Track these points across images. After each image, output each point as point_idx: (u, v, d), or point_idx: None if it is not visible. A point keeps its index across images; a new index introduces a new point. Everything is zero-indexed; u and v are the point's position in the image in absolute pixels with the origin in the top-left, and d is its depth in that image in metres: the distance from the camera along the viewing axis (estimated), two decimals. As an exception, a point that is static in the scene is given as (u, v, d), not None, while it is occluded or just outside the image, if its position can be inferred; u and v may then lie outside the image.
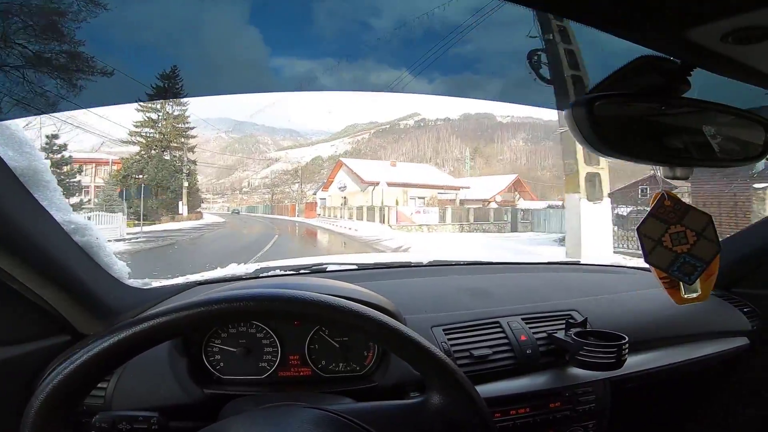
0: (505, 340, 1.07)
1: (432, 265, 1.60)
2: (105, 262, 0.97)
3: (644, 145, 0.63)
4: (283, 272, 1.37)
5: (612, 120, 0.58)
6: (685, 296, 0.78)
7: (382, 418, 0.65)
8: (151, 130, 25.92)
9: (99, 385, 0.87)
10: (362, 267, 1.50)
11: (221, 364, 0.94)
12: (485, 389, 1.00)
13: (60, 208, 0.84)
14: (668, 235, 0.75)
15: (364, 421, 0.63)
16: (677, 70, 0.59)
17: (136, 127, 25.75)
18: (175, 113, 26.61)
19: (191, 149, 27.70)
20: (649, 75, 0.60)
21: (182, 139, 26.45)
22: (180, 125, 26.53)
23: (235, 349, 0.94)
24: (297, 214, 36.51)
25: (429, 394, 0.65)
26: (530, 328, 1.12)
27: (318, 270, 1.43)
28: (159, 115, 26.20)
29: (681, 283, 0.77)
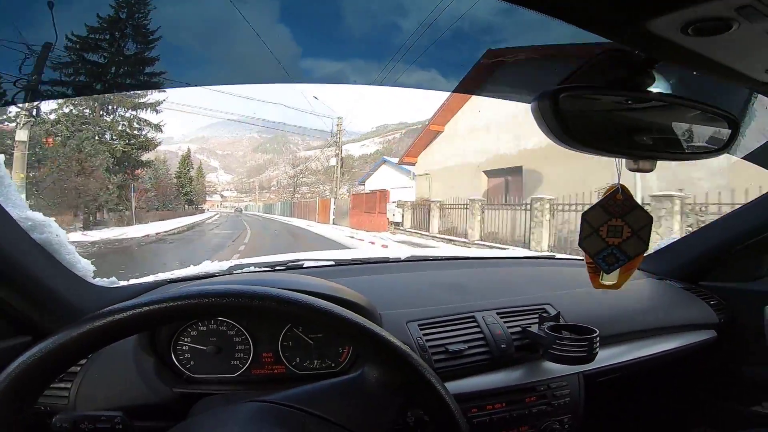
0: (480, 335, 1.08)
1: (409, 260, 1.60)
2: (67, 260, 0.94)
3: (608, 138, 0.64)
4: (257, 269, 1.35)
5: (576, 113, 0.58)
6: (602, 281, 0.84)
7: (322, 397, 0.64)
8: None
9: (62, 385, 0.85)
10: (339, 263, 1.48)
11: (191, 363, 0.92)
12: (461, 384, 1.00)
13: (16, 204, 0.80)
14: (606, 226, 0.79)
15: (304, 404, 0.62)
16: (641, 64, 0.60)
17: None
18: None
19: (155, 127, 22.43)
20: (613, 68, 0.60)
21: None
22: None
23: (205, 348, 0.92)
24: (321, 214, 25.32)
25: (366, 366, 0.64)
26: (505, 322, 1.12)
27: (294, 266, 1.41)
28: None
29: (601, 271, 0.82)
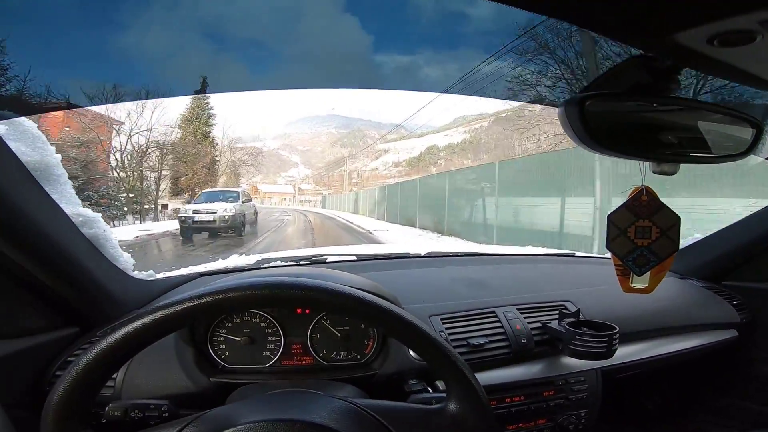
0: (501, 330, 1.10)
1: (429, 256, 1.63)
2: (111, 254, 0.99)
3: (633, 143, 0.66)
4: (283, 263, 1.39)
5: (602, 118, 0.60)
6: (633, 285, 0.83)
7: (403, 419, 0.67)
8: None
9: None
10: (361, 258, 1.52)
11: (226, 354, 0.97)
12: (482, 377, 1.01)
13: (70, 201, 0.86)
14: (634, 227, 0.79)
15: (386, 419, 0.65)
16: (666, 71, 0.62)
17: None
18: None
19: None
20: (639, 75, 0.62)
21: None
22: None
23: (239, 339, 0.96)
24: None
25: (448, 401, 0.67)
26: (525, 317, 1.15)
27: (318, 261, 1.45)
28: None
29: (632, 273, 0.81)
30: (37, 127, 0.79)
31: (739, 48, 0.50)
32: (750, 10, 0.43)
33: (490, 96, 0.88)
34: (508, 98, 0.91)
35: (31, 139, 0.77)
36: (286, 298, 0.62)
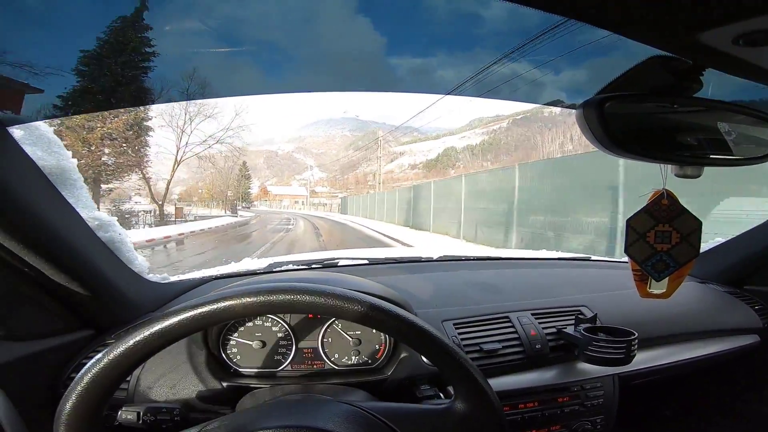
0: (515, 335, 1.09)
1: (442, 260, 1.61)
2: (127, 257, 1.00)
3: (655, 145, 0.64)
4: (295, 267, 1.39)
5: (622, 120, 0.59)
6: (651, 290, 0.81)
7: (410, 420, 0.67)
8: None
9: None
10: (373, 262, 1.52)
11: (238, 357, 0.97)
12: (494, 383, 1.01)
13: (86, 205, 0.87)
14: (654, 232, 0.77)
15: (392, 420, 0.65)
16: (689, 70, 0.60)
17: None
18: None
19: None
20: (659, 75, 0.61)
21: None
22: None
23: (251, 343, 0.96)
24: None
25: (454, 400, 0.67)
26: (540, 323, 1.13)
27: (329, 265, 1.45)
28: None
29: (650, 278, 0.80)
30: (54, 131, 0.80)
31: (763, 48, 0.48)
32: None
33: (504, 98, 0.87)
34: (524, 101, 0.89)
35: (47, 144, 0.77)
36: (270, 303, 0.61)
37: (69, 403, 0.56)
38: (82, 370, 0.57)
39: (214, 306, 0.59)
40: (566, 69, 0.74)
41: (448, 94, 0.90)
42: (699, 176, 0.67)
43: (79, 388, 0.56)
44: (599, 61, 0.70)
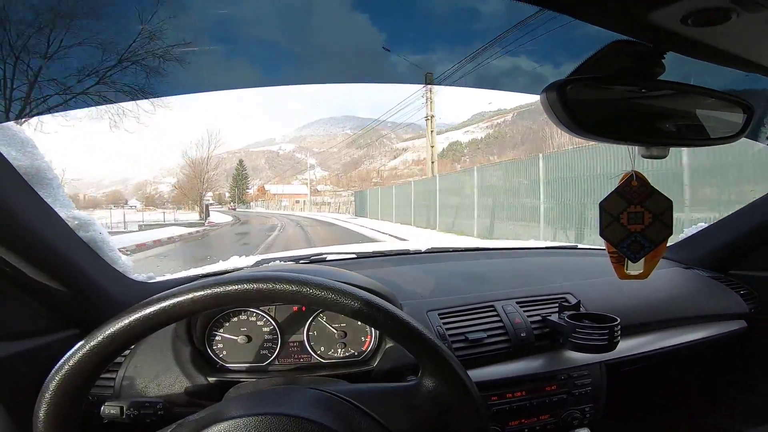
0: (500, 324, 1.10)
1: (429, 252, 1.62)
2: (109, 256, 1.01)
3: (619, 127, 0.65)
4: (282, 262, 1.40)
5: (585, 103, 0.60)
6: (628, 272, 0.82)
7: (377, 399, 0.67)
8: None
9: (107, 375, 0.91)
10: (361, 255, 1.52)
11: (224, 352, 0.98)
12: (481, 373, 1.02)
13: (63, 204, 0.87)
14: (626, 213, 0.78)
15: (360, 401, 0.65)
16: (649, 54, 0.61)
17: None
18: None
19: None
20: (622, 59, 0.62)
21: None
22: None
23: (237, 338, 0.97)
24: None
25: (422, 377, 0.67)
26: (524, 311, 1.14)
27: (317, 260, 1.46)
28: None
29: (626, 259, 0.81)
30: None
31: (716, 27, 0.49)
32: None
33: (469, 86, 0.88)
34: (492, 88, 0.90)
35: (20, 144, 0.78)
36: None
37: (44, 400, 0.57)
38: (57, 366, 0.58)
39: (187, 296, 0.60)
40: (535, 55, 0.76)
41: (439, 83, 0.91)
42: (665, 156, 0.68)
43: (57, 378, 0.57)
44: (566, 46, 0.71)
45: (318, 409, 0.62)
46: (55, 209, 0.86)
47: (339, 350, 1.00)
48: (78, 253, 0.92)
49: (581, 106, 0.60)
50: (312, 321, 1.00)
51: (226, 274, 0.64)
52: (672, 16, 0.47)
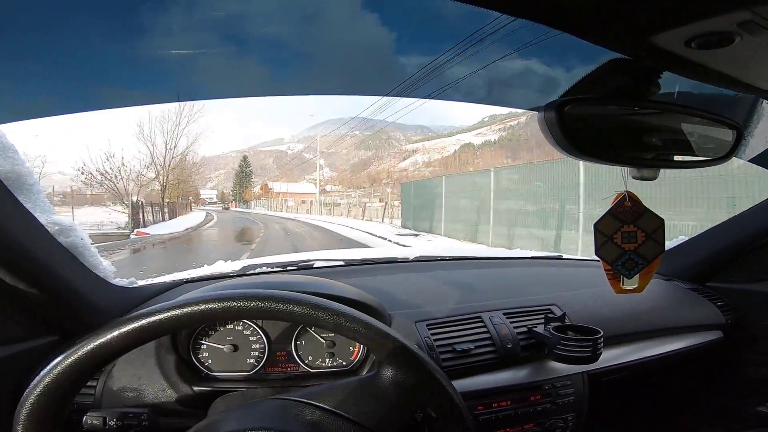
0: (487, 335, 1.10)
1: (418, 260, 1.62)
2: (90, 262, 0.98)
3: (613, 148, 0.65)
4: (269, 269, 1.38)
5: (581, 123, 0.60)
6: (624, 287, 0.85)
7: (341, 396, 0.66)
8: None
9: (89, 384, 0.88)
10: (349, 263, 1.51)
11: (210, 361, 0.95)
12: (468, 383, 1.03)
13: (44, 209, 0.84)
14: (620, 233, 0.80)
15: (323, 401, 0.64)
16: (646, 73, 0.62)
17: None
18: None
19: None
20: (618, 78, 0.62)
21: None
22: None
23: (223, 347, 0.95)
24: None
25: (380, 367, 0.66)
26: (511, 322, 1.14)
27: (305, 267, 1.44)
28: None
29: (622, 276, 0.84)
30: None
31: (718, 50, 0.49)
32: (728, 11, 0.43)
33: (471, 101, 0.87)
34: (491, 103, 0.90)
35: (1, 149, 0.75)
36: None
37: (26, 406, 0.55)
38: (38, 376, 0.55)
39: (177, 311, 0.58)
40: (535, 72, 0.76)
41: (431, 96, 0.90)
42: (655, 178, 0.69)
43: (36, 390, 0.55)
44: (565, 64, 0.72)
45: (282, 417, 0.62)
46: (35, 215, 0.83)
47: (327, 360, 0.99)
48: (58, 258, 0.89)
49: (577, 126, 0.60)
50: (300, 330, 0.99)
51: (212, 292, 0.62)
52: (676, 39, 0.47)
